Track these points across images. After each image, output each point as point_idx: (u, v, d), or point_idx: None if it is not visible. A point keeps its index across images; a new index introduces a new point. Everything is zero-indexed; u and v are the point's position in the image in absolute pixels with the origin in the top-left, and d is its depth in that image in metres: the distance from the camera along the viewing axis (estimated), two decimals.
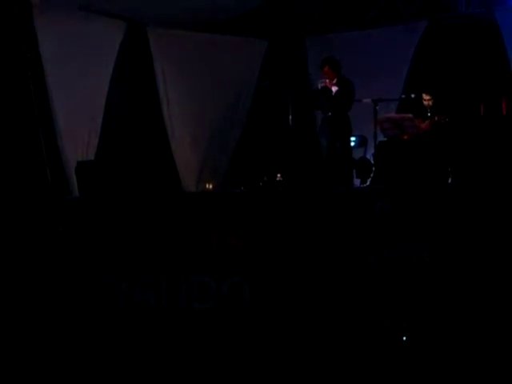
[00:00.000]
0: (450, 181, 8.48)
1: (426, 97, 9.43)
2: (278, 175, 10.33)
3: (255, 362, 5.84)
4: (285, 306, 6.14)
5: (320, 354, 5.77)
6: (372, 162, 9.48)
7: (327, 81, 9.02)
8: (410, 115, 9.08)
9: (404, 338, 5.69)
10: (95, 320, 6.73)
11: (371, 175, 9.49)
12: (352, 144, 9.84)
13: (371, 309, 5.85)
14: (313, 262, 6.13)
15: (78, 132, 9.74)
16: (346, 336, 5.87)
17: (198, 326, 6.34)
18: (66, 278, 6.99)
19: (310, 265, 6.13)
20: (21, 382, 5.83)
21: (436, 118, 9.15)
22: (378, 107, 9.29)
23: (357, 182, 9.83)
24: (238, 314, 6.22)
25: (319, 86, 9.06)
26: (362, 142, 10.13)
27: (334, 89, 9.02)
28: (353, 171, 9.45)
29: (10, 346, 6.47)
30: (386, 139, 9.16)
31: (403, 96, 9.84)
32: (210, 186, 10.90)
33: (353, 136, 9.85)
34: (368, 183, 9.51)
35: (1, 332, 6.73)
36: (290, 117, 9.20)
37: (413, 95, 9.47)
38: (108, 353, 6.24)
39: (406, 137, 9.05)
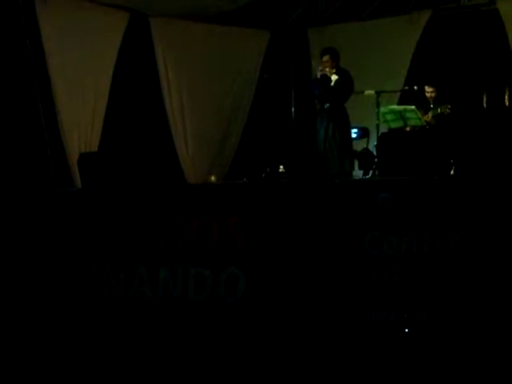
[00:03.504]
0: (452, 173, 8.49)
1: (428, 89, 9.45)
2: (281, 167, 10.35)
3: (251, 353, 5.86)
4: (282, 296, 6.16)
5: (319, 347, 5.79)
6: (374, 153, 9.50)
7: (327, 69, 9.00)
8: (413, 107, 9.09)
9: (406, 330, 5.71)
10: (94, 310, 6.76)
11: (373, 167, 9.51)
12: (354, 135, 9.85)
13: (372, 301, 5.87)
14: (313, 254, 6.14)
15: (81, 124, 9.75)
16: (345, 328, 5.89)
17: (194, 317, 6.37)
18: (68, 268, 7.02)
19: (310, 257, 6.15)
20: (21, 368, 5.86)
21: (438, 110, 9.17)
22: (380, 99, 9.30)
23: (359, 173, 9.85)
24: (234, 306, 6.25)
25: (318, 75, 9.04)
26: (364, 133, 10.14)
27: (334, 77, 8.99)
28: (354, 162, 9.46)
29: (10, 334, 6.50)
30: (388, 131, 9.18)
31: (406, 88, 9.83)
32: (213, 178, 10.92)
33: (355, 127, 9.87)
34: (370, 175, 9.52)
35: (1, 320, 6.77)
36: (293, 108, 9.20)
37: (415, 87, 9.48)
38: (104, 344, 6.26)
39: (408, 128, 9.07)
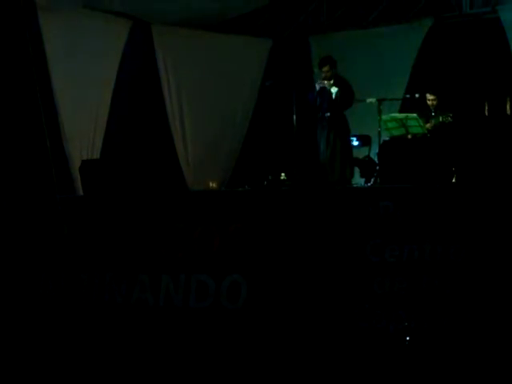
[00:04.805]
0: (453, 180, 8.49)
1: (430, 97, 9.45)
2: (282, 174, 10.36)
3: (252, 361, 5.86)
4: (284, 304, 6.16)
5: (320, 354, 5.78)
6: (376, 161, 9.50)
7: (325, 82, 9.05)
8: (415, 115, 9.10)
9: (407, 338, 5.70)
10: (96, 318, 6.76)
11: (375, 174, 9.51)
12: (356, 143, 9.87)
13: (373, 308, 5.86)
14: (315, 262, 6.14)
15: (83, 131, 9.76)
16: (346, 336, 5.88)
17: (196, 324, 6.37)
18: (70, 275, 7.02)
19: (312, 264, 6.15)
20: (21, 379, 5.85)
21: (440, 119, 9.17)
22: (382, 106, 9.31)
23: (361, 181, 9.85)
24: (236, 313, 6.24)
25: (317, 87, 9.09)
26: (366, 141, 10.14)
27: (334, 90, 9.03)
28: (354, 170, 9.46)
29: (10, 342, 6.50)
30: (389, 139, 9.18)
31: (407, 95, 9.85)
32: (214, 185, 10.93)
33: (357, 135, 9.89)
34: (372, 182, 9.52)
35: (1, 329, 6.77)
36: (294, 116, 9.20)
37: (417, 95, 9.49)
38: (106, 351, 6.26)
39: (409, 136, 9.08)
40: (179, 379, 5.71)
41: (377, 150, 9.31)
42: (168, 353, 6.13)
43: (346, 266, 6.05)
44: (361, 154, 9.99)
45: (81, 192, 8.83)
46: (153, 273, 6.65)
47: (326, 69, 9.06)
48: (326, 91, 9.04)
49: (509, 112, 9.10)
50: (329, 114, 9.03)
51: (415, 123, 9.06)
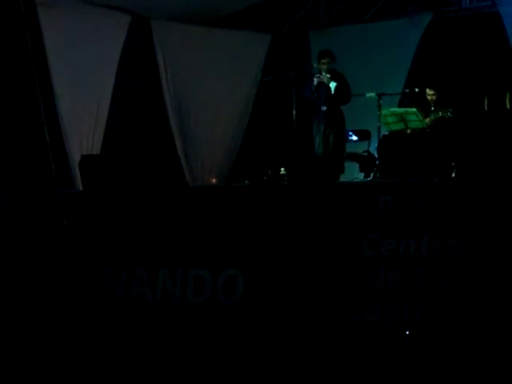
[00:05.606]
0: (453, 175, 8.49)
1: (429, 91, 9.44)
2: (282, 169, 10.35)
3: (249, 355, 5.88)
4: (280, 298, 6.17)
5: (316, 348, 5.80)
6: (376, 155, 9.50)
7: (322, 76, 9.05)
8: (414, 109, 9.10)
9: (407, 333, 5.71)
10: (95, 313, 6.78)
11: (375, 169, 9.51)
12: (355, 138, 9.88)
13: (367, 302, 5.88)
14: (313, 256, 6.15)
15: (83, 126, 9.76)
16: (340, 330, 5.90)
17: (193, 319, 6.38)
18: (69, 270, 7.03)
19: (310, 259, 6.16)
20: (21, 371, 5.87)
21: (440, 114, 9.17)
22: (381, 101, 9.31)
23: (360, 175, 9.85)
24: (233, 308, 6.26)
25: (315, 81, 9.09)
26: (365, 135, 10.14)
27: (333, 84, 9.04)
28: (344, 164, 9.47)
29: (10, 336, 6.52)
30: (389, 133, 9.18)
31: (407, 90, 9.85)
32: (214, 181, 10.93)
33: (356, 130, 9.89)
34: (371, 177, 9.53)
35: (1, 321, 6.79)
36: (294, 111, 9.20)
37: (416, 89, 9.49)
38: (104, 347, 6.28)
39: (409, 131, 9.08)
40: (177, 374, 5.73)
41: (376, 145, 9.31)
42: (165, 347, 6.15)
43: (345, 261, 6.07)
44: (360, 148, 9.99)
45: (80, 187, 8.84)
46: (150, 267, 6.67)
47: (327, 60, 9.06)
48: (323, 85, 9.05)
49: (508, 106, 9.10)
50: (325, 109, 9.04)
51: (415, 118, 9.06)
